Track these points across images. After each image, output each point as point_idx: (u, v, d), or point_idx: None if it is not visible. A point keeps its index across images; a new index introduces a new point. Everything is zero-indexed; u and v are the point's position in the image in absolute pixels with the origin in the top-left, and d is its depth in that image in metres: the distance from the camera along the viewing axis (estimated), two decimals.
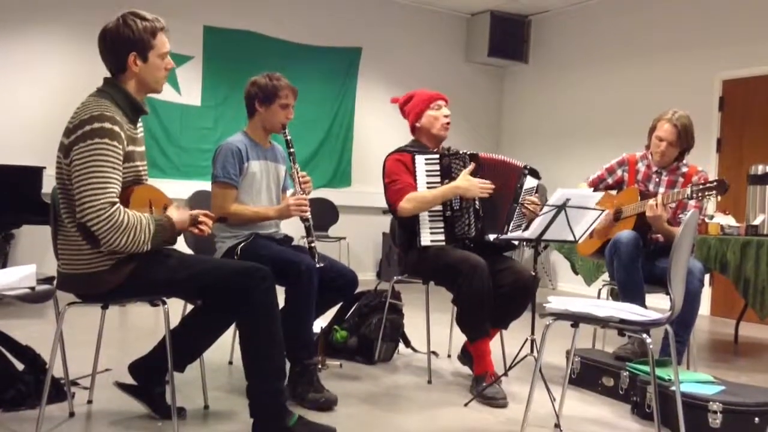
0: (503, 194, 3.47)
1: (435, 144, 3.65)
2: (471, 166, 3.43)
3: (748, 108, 6.53)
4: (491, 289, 3.27)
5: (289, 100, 3.36)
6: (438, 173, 3.48)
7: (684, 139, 3.73)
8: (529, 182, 3.54)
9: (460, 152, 3.51)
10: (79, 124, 2.36)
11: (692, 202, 3.63)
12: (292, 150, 3.35)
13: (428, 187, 3.46)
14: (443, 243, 3.44)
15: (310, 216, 3.26)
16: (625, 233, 3.60)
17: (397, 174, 3.51)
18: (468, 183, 3.36)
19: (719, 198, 3.49)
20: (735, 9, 6.58)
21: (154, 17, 2.52)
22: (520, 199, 3.49)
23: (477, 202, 3.44)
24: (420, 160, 3.50)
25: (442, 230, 3.45)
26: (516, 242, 3.56)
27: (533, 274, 3.36)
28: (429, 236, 3.45)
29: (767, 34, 6.32)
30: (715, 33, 6.72)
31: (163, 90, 2.66)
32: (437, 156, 3.51)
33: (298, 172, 3.32)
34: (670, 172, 3.83)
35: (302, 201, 3.24)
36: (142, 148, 2.62)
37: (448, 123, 3.62)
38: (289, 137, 3.37)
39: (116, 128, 2.38)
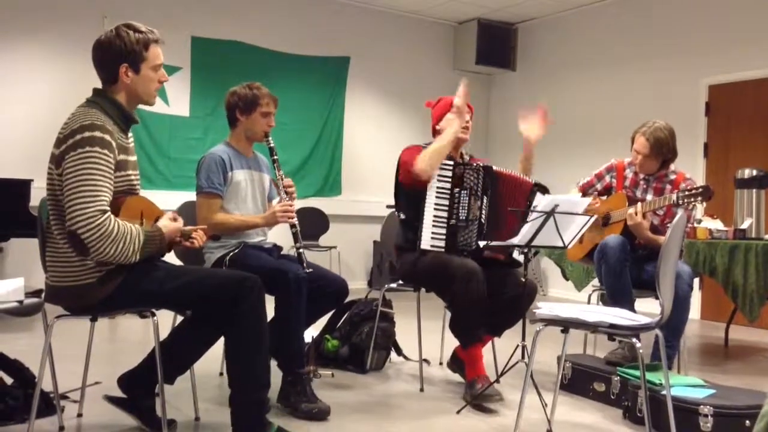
0: (510, 209, 3.45)
1: (453, 147, 3.62)
2: (462, 88, 3.50)
3: (734, 112, 6.58)
4: (486, 295, 3.28)
5: (270, 108, 3.37)
6: (449, 179, 3.46)
7: (658, 152, 3.72)
8: (539, 199, 3.53)
9: (474, 164, 3.52)
10: (69, 133, 2.36)
11: (680, 210, 3.64)
12: (276, 157, 3.36)
13: (437, 191, 3.45)
14: (443, 250, 3.44)
15: (297, 222, 3.26)
16: (612, 238, 3.62)
17: (410, 155, 3.48)
18: (451, 126, 3.48)
19: (704, 204, 3.52)
20: (720, 15, 6.64)
21: (149, 29, 2.52)
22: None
23: (483, 217, 3.44)
24: None
25: (444, 237, 3.45)
26: (521, 261, 3.56)
27: (523, 281, 3.37)
28: (430, 240, 3.44)
29: (752, 40, 6.38)
30: (701, 39, 6.78)
31: (156, 103, 2.66)
32: (452, 163, 3.49)
33: (282, 179, 3.32)
34: (657, 179, 3.84)
35: (288, 207, 3.25)
36: (134, 158, 2.62)
37: (465, 128, 3.60)
38: (272, 145, 3.38)
39: (107, 137, 2.38)
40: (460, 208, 3.44)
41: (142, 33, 2.50)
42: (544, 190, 3.56)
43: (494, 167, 3.52)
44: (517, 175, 3.57)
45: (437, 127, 3.67)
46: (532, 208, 3.46)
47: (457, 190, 3.46)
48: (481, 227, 3.44)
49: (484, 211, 3.46)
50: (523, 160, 3.71)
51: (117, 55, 2.46)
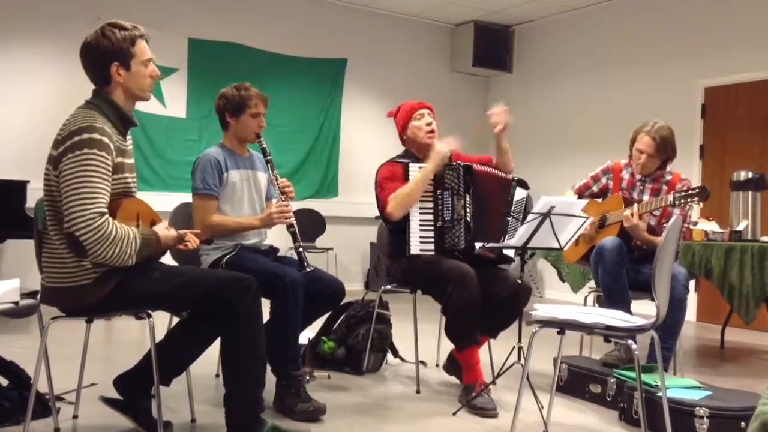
0: (494, 207, 3.48)
1: (424, 152, 3.64)
2: (456, 146, 3.52)
3: (730, 115, 6.60)
4: (479, 297, 3.28)
5: (259, 109, 3.33)
6: (432, 182, 3.49)
7: (663, 150, 3.75)
8: (519, 193, 3.56)
9: (454, 163, 3.52)
10: (68, 135, 2.36)
11: (676, 210, 3.65)
12: (269, 158, 3.34)
13: (422, 195, 3.47)
14: (432, 253, 3.45)
15: (294, 221, 3.25)
16: (609, 240, 3.62)
17: (386, 181, 3.52)
18: (436, 156, 3.44)
19: (701, 204, 3.52)
20: (716, 17, 6.66)
21: (133, 26, 2.52)
22: (512, 211, 3.51)
23: (468, 215, 3.45)
24: (414, 168, 3.51)
25: (432, 240, 3.46)
26: (511, 256, 3.58)
27: (519, 282, 3.38)
28: (419, 245, 3.45)
29: (748, 42, 6.40)
30: (697, 41, 6.80)
31: (151, 98, 2.66)
32: None
33: (277, 179, 3.31)
34: (653, 180, 3.85)
35: (284, 207, 3.24)
36: (132, 161, 2.62)
37: (431, 131, 3.62)
38: (264, 145, 3.35)
39: (105, 139, 2.38)
40: (445, 209, 3.45)
41: (126, 30, 2.50)
42: (524, 185, 3.58)
43: (473, 165, 3.54)
44: (496, 172, 3.59)
45: (404, 137, 3.69)
46: (513, 203, 3.51)
47: (439, 191, 3.47)
48: (468, 225, 3.45)
49: (468, 210, 3.47)
50: (499, 151, 3.65)
51: (106, 54, 2.46)
